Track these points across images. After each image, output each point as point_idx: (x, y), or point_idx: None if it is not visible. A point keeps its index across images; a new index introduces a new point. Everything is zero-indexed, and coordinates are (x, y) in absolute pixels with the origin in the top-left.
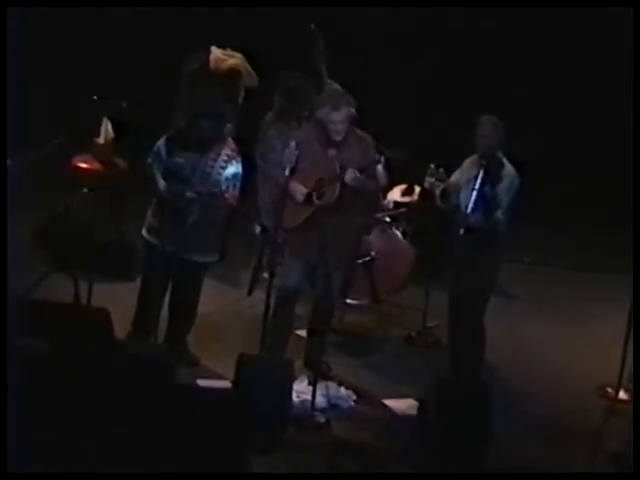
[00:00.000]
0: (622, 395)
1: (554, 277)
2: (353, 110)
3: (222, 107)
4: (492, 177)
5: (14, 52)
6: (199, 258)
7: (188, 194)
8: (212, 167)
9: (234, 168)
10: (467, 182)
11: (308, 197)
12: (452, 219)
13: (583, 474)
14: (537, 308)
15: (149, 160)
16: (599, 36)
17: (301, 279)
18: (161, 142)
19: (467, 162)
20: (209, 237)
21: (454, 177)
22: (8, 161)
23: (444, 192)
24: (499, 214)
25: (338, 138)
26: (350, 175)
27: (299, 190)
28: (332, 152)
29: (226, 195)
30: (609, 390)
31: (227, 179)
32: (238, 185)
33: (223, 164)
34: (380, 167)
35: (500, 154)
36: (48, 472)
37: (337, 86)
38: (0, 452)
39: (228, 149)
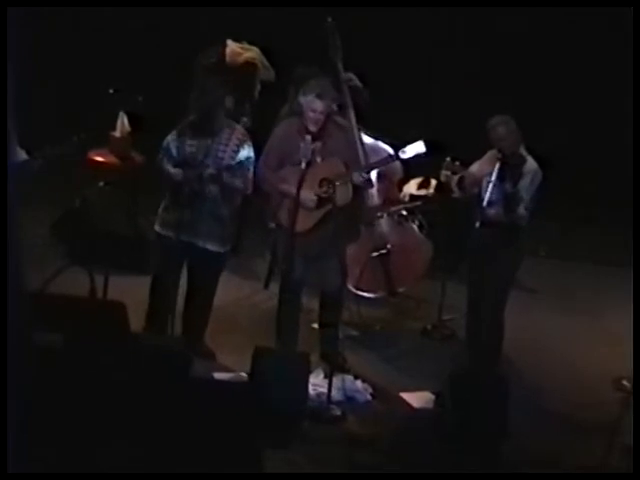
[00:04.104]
0: None
1: (570, 270)
2: (335, 106)
3: (225, 92)
4: (514, 173)
5: (14, 52)
6: (214, 247)
7: (208, 171)
8: (224, 152)
9: (246, 152)
10: (487, 175)
11: (319, 200)
12: (471, 213)
13: (583, 474)
14: (553, 301)
15: (160, 156)
16: (599, 36)
17: (304, 272)
18: (170, 138)
19: (488, 155)
20: (223, 225)
21: (473, 167)
22: (27, 157)
23: (461, 180)
24: (521, 209)
25: (313, 128)
26: (357, 177)
27: (308, 198)
28: (316, 145)
29: (240, 179)
30: (625, 383)
31: (240, 162)
32: (251, 169)
33: (235, 148)
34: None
35: (522, 149)
36: (48, 472)
37: (356, 80)
38: (0, 452)
39: (238, 134)
